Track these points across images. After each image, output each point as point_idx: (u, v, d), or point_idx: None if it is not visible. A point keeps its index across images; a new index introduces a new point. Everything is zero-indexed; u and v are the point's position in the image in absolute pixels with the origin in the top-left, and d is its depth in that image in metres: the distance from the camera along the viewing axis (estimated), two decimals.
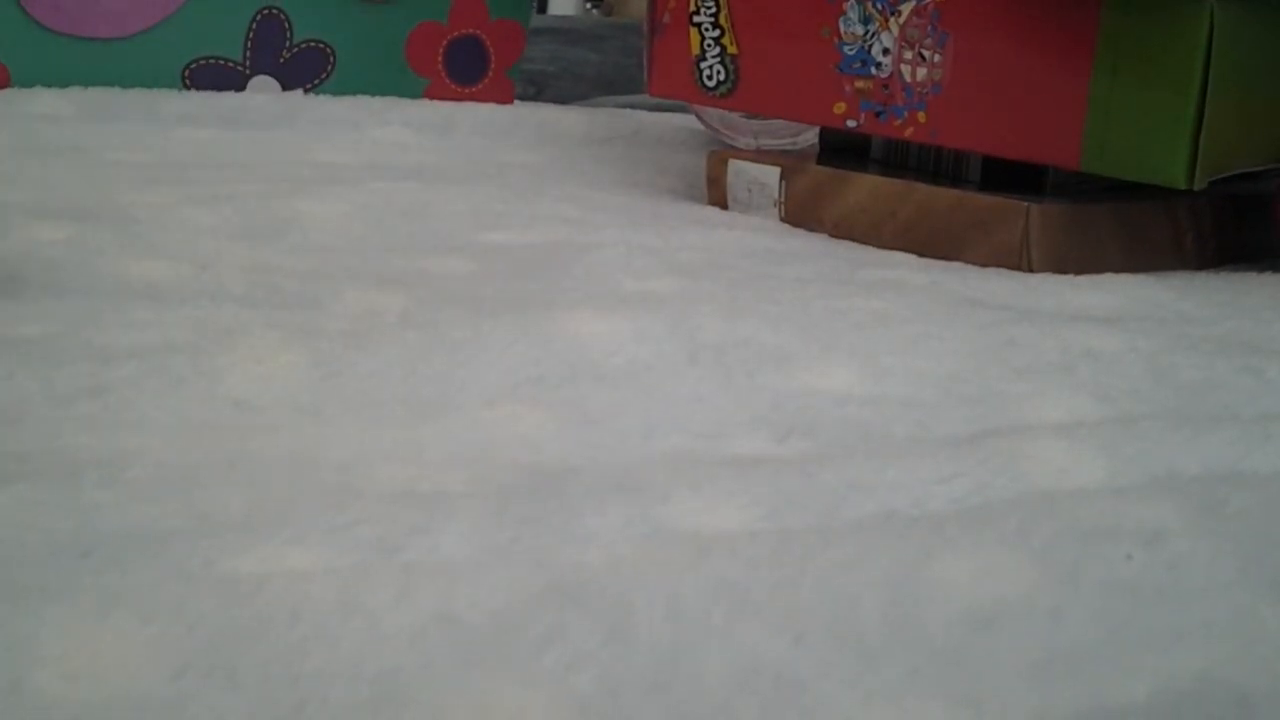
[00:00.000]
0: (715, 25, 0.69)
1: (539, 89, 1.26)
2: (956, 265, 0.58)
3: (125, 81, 0.85)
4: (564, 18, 1.76)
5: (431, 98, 0.93)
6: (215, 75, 0.88)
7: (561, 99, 1.19)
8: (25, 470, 0.31)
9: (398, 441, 0.35)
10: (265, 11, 0.88)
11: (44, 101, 0.81)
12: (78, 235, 0.52)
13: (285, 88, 0.90)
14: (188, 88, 0.87)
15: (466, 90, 0.95)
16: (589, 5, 2.18)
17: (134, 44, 0.86)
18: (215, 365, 0.39)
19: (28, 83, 0.83)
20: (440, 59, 0.94)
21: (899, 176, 0.63)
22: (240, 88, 0.88)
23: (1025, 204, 0.58)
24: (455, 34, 0.94)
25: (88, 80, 0.84)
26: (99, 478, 0.31)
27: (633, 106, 1.09)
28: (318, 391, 0.38)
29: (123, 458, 0.32)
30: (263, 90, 0.89)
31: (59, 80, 0.83)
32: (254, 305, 0.46)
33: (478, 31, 0.95)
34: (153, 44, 0.86)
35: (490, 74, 0.95)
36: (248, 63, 0.88)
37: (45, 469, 0.31)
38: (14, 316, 0.43)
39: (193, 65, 0.87)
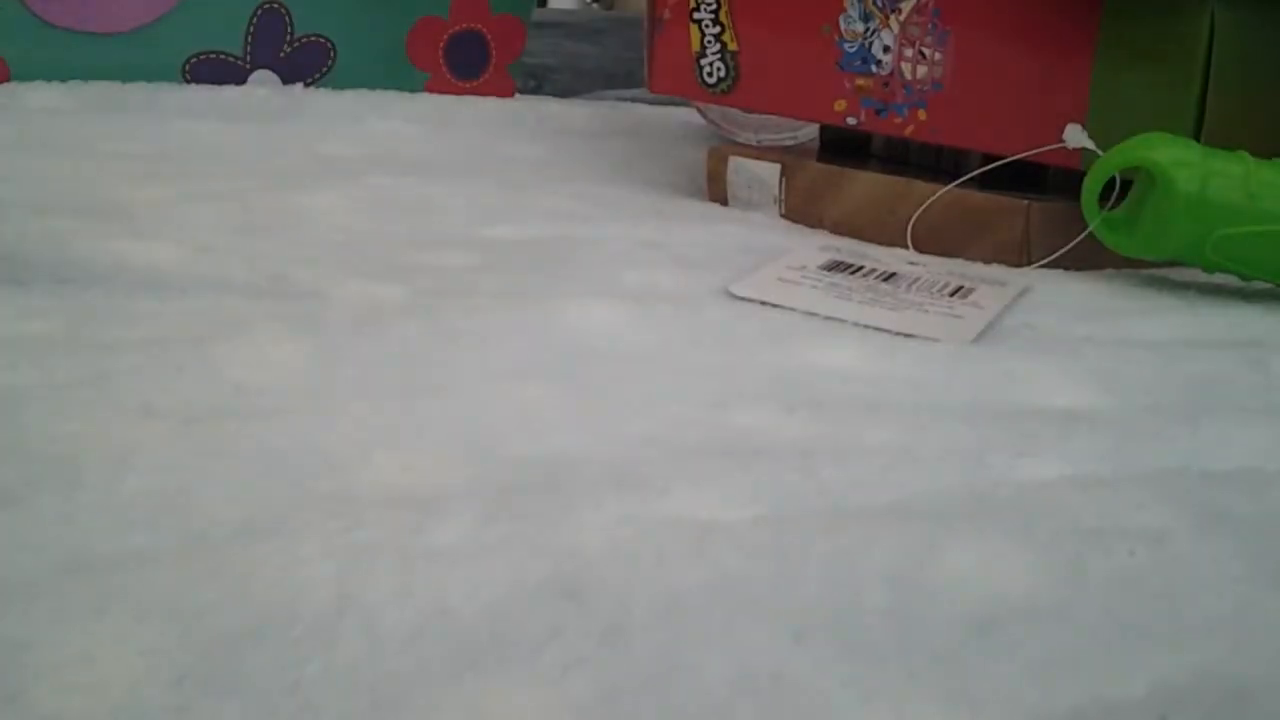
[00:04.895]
0: (715, 22, 0.69)
1: (539, 83, 1.26)
2: (959, 260, 0.58)
3: (126, 76, 0.85)
4: (565, 11, 1.76)
5: (432, 92, 0.93)
6: (215, 69, 0.87)
7: (562, 93, 1.19)
8: (23, 466, 0.31)
9: (398, 431, 0.35)
10: (266, 6, 0.88)
11: (44, 95, 0.81)
12: (79, 228, 0.52)
13: (285, 82, 0.90)
14: (188, 82, 0.87)
15: (467, 85, 0.95)
16: None
17: (134, 38, 0.85)
18: (216, 355, 0.39)
19: (28, 77, 0.83)
20: (441, 54, 0.94)
21: (899, 174, 0.63)
22: (240, 82, 0.88)
23: (1025, 202, 0.58)
24: (456, 29, 0.94)
25: (88, 75, 0.84)
26: (97, 474, 0.31)
27: (634, 100, 1.09)
28: (319, 379, 0.38)
29: (122, 450, 0.32)
30: (263, 84, 0.89)
31: (59, 75, 0.83)
32: (256, 296, 0.46)
33: (479, 26, 0.94)
34: (153, 38, 0.86)
35: (491, 69, 0.95)
36: (248, 57, 0.88)
37: (43, 463, 0.31)
38: (17, 308, 0.43)
39: (193, 59, 0.87)
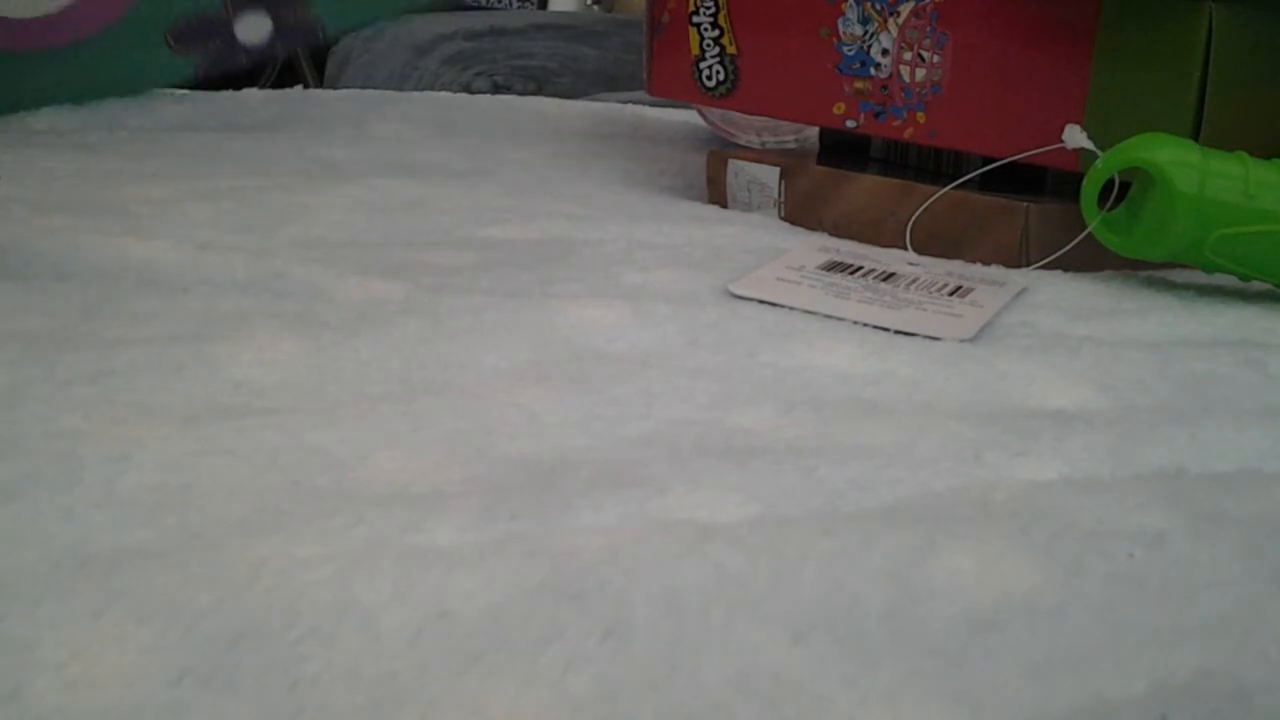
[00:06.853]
0: (714, 25, 0.69)
1: (539, 85, 1.26)
2: (958, 261, 0.58)
3: (113, 71, 0.81)
4: (564, 14, 1.76)
5: None
6: (201, 30, 0.84)
7: (562, 95, 1.19)
8: (23, 463, 0.31)
9: (397, 430, 0.35)
10: None
11: (43, 115, 0.81)
12: (80, 226, 0.52)
13: (274, 18, 0.86)
14: (173, 50, 0.85)
15: None
16: (590, 2, 2.18)
17: (106, 36, 0.82)
18: (216, 353, 0.39)
19: (17, 108, 0.81)
20: None
21: (899, 176, 0.63)
22: (229, 34, 0.85)
23: (1024, 204, 0.58)
24: None
25: (73, 85, 0.80)
26: (97, 471, 0.31)
27: (633, 103, 1.09)
28: (318, 378, 0.38)
29: (122, 447, 0.32)
30: (254, 29, 0.85)
31: (45, 97, 0.80)
32: (256, 294, 0.46)
33: None
34: (126, 30, 0.82)
35: None
36: (229, 6, 0.85)
37: (43, 460, 0.31)
38: (18, 304, 0.43)
39: (176, 28, 0.83)
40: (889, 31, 0.63)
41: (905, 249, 0.59)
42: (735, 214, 0.67)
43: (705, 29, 0.69)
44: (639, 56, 0.79)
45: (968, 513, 0.31)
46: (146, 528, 0.28)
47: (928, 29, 0.62)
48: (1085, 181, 0.54)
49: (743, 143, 0.88)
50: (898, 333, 0.46)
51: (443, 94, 0.94)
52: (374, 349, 0.41)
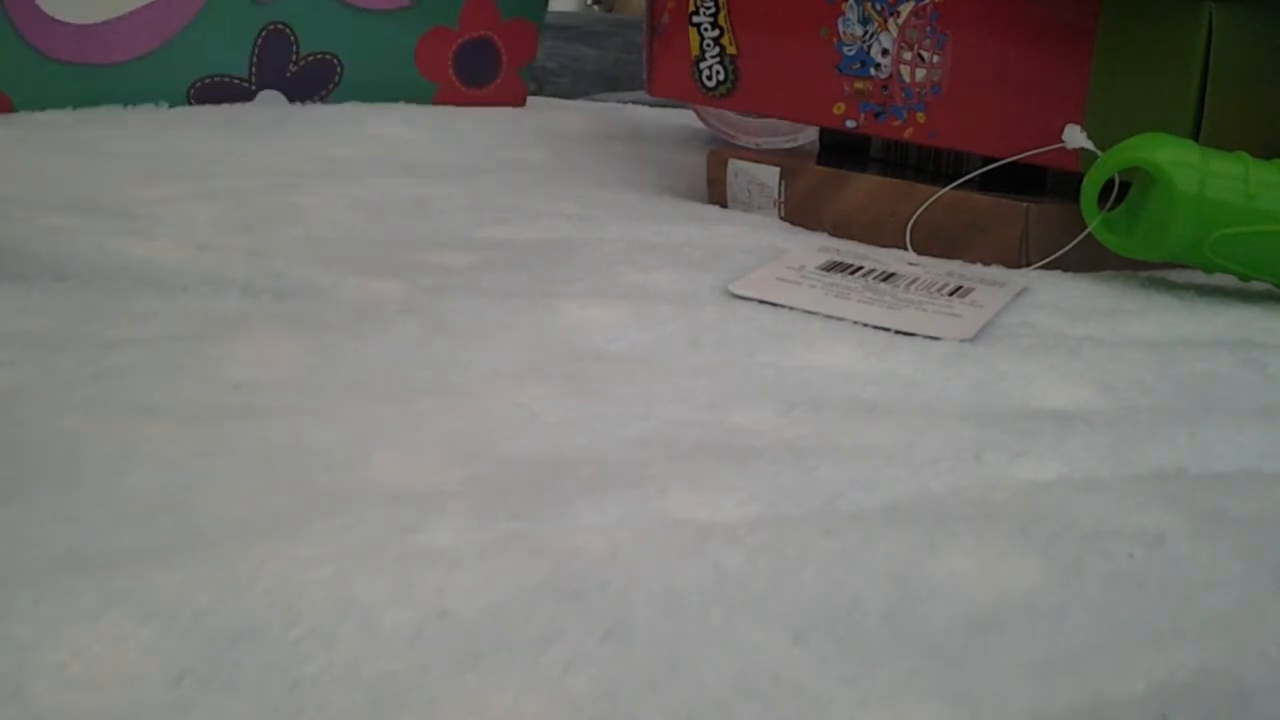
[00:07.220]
0: (714, 25, 0.69)
1: (539, 85, 1.26)
2: (958, 261, 0.58)
3: (130, 103, 0.83)
4: (565, 14, 1.76)
5: (441, 102, 0.92)
6: (221, 92, 0.85)
7: (562, 96, 1.19)
8: (23, 463, 0.31)
9: (397, 430, 0.35)
10: (271, 27, 0.86)
11: (44, 114, 0.81)
12: (80, 226, 0.52)
13: (292, 101, 0.88)
14: (192, 105, 0.86)
15: (478, 93, 0.94)
16: (590, 2, 2.18)
17: (135, 67, 0.83)
18: (216, 353, 0.39)
19: (30, 109, 0.81)
20: (451, 63, 0.92)
21: (899, 176, 0.63)
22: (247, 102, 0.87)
23: (1024, 204, 0.58)
24: (466, 37, 0.93)
25: (92, 104, 0.82)
26: (97, 472, 0.31)
27: (633, 103, 1.09)
28: (318, 378, 0.38)
29: (122, 448, 0.32)
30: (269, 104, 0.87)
31: (62, 105, 0.81)
32: (255, 294, 0.46)
33: (489, 33, 0.93)
34: (156, 66, 0.83)
35: (502, 75, 0.94)
36: (253, 78, 0.86)
37: (43, 461, 0.31)
38: (17, 304, 0.43)
39: (197, 84, 0.85)
40: (889, 31, 0.63)
41: (905, 249, 0.59)
42: (735, 214, 0.67)
43: (705, 29, 0.69)
44: (639, 56, 0.79)
45: (968, 513, 0.31)
46: (146, 528, 0.28)
47: (928, 29, 0.62)
48: (1085, 181, 0.54)
49: (741, 143, 0.88)
50: (898, 333, 0.46)
51: None
52: (374, 349, 0.41)
